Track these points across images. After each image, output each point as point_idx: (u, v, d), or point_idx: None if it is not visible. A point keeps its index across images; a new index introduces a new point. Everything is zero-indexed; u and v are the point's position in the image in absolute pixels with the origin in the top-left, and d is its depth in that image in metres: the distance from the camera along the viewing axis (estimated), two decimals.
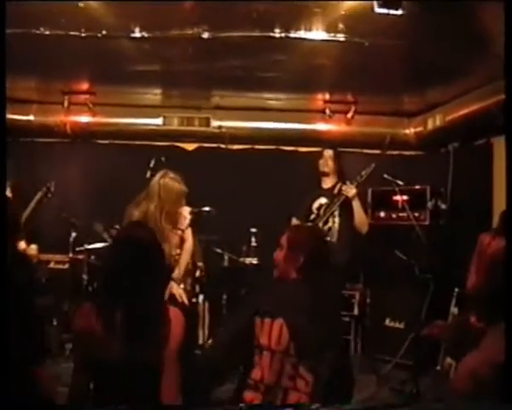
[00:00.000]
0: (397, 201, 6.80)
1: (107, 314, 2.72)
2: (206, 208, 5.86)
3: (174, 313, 2.89)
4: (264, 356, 3.02)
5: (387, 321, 7.08)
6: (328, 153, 6.34)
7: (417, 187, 6.94)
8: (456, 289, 5.96)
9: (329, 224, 6.12)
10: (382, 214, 7.27)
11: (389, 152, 7.76)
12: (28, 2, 4.42)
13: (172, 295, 4.71)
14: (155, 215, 4.90)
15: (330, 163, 6.30)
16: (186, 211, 6.67)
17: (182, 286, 5.08)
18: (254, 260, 6.89)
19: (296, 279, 3.31)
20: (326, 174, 6.32)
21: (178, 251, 5.30)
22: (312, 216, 6.26)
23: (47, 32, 4.82)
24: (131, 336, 2.71)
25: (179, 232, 5.40)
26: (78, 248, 6.75)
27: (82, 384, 2.77)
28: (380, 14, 4.25)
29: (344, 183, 6.09)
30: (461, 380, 2.46)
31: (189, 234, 5.41)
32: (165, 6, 4.49)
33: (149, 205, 4.92)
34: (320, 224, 6.12)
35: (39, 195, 5.03)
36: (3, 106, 3.67)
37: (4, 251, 3.04)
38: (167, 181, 5.03)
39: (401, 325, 6.93)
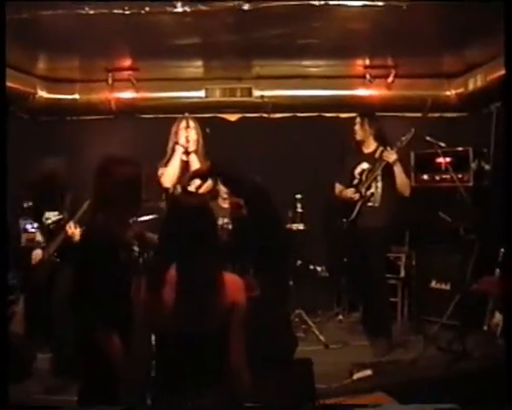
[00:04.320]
0: (440, 163, 6.80)
1: (160, 286, 2.77)
2: None
3: (233, 281, 2.89)
4: None
5: (433, 283, 7.13)
6: (357, 120, 6.39)
7: (460, 148, 6.93)
8: (502, 249, 5.97)
9: (372, 189, 6.18)
10: (426, 177, 7.28)
11: (431, 115, 7.74)
12: None
13: None
14: None
15: (360, 131, 6.35)
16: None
17: None
18: (301, 226, 6.99)
19: None
20: (360, 142, 6.38)
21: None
22: (355, 181, 6.33)
23: (91, 12, 4.93)
24: (190, 305, 2.73)
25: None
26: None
27: (144, 354, 2.87)
28: None
29: (385, 147, 6.13)
30: None
31: None
32: None
33: None
34: (362, 189, 6.19)
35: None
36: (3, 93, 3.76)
37: (5, 252, 3.16)
38: None
39: (447, 287, 6.97)
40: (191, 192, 3.45)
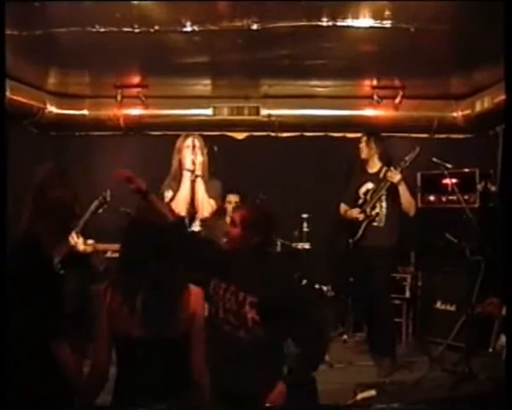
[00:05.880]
0: (446, 184, 6.81)
1: (127, 293, 2.85)
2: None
3: (195, 292, 2.99)
4: None
5: (439, 304, 7.11)
6: (363, 139, 6.43)
7: (466, 170, 6.94)
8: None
9: (377, 209, 6.19)
10: (432, 198, 7.29)
11: (437, 136, 7.76)
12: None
13: None
14: None
15: (365, 149, 6.39)
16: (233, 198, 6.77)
17: None
18: (307, 245, 7.00)
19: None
20: (365, 161, 6.42)
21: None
22: (360, 201, 6.35)
23: (102, 30, 4.97)
24: (152, 314, 2.82)
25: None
26: None
27: (104, 361, 2.90)
28: None
29: (389, 167, 6.15)
30: None
31: None
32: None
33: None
34: (367, 209, 6.20)
35: (96, 203, 5.16)
36: (3, 105, 3.79)
37: (4, 249, 3.19)
38: None
39: (452, 308, 6.95)
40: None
